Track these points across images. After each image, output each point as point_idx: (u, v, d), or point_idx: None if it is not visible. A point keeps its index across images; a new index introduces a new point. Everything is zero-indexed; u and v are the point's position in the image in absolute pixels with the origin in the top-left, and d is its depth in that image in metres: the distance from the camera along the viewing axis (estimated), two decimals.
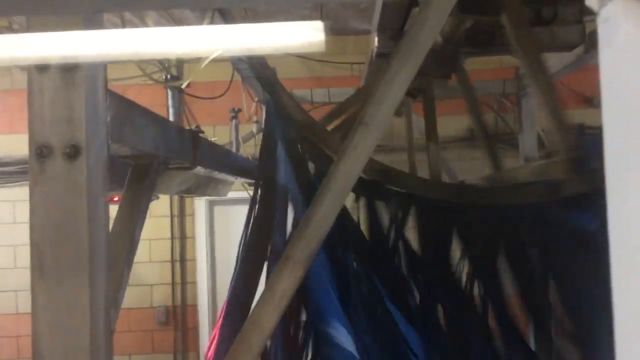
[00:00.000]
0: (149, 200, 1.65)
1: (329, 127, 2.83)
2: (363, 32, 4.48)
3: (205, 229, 5.57)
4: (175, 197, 5.33)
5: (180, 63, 4.46)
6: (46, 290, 1.00)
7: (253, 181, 3.58)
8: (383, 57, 2.60)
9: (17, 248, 5.30)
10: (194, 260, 5.56)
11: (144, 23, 2.63)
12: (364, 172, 1.77)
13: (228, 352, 1.33)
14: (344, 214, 1.95)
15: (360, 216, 2.16)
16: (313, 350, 1.90)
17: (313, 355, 1.90)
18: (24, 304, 5.21)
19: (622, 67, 0.49)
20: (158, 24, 3.59)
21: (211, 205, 5.63)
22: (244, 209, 2.08)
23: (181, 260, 5.54)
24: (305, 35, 0.94)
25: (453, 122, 4.96)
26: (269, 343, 1.73)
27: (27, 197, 1.01)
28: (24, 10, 1.00)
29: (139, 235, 1.56)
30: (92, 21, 1.03)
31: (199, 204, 5.53)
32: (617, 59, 0.49)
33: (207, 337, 5.38)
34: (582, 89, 5.13)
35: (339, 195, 1.34)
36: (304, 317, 1.92)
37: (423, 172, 2.99)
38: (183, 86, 3.14)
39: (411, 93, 3.00)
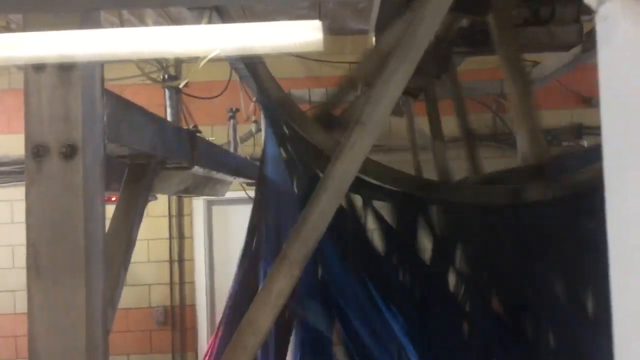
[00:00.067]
0: (146, 200, 1.65)
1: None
2: (361, 31, 4.48)
3: (204, 228, 5.57)
4: (174, 197, 5.32)
5: (178, 63, 4.45)
6: (42, 290, 1.00)
7: (251, 181, 3.58)
8: None
9: (15, 248, 5.29)
10: (192, 260, 5.55)
11: (142, 22, 2.63)
12: (402, 188, 1.72)
13: (224, 353, 1.33)
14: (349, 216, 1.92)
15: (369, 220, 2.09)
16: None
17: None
18: (22, 304, 5.17)
19: (621, 65, 0.49)
20: (156, 23, 3.59)
21: (209, 205, 5.62)
22: (242, 209, 2.07)
23: (179, 260, 5.53)
24: (303, 34, 0.94)
25: (453, 122, 4.94)
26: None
27: None
28: (22, 8, 0.99)
29: (136, 235, 1.56)
30: (89, 20, 1.03)
31: (197, 204, 5.52)
32: (616, 58, 0.49)
33: (205, 337, 5.37)
34: (580, 88, 5.13)
35: (335, 194, 1.33)
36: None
37: (428, 172, 2.96)
38: (181, 86, 3.13)
39: (412, 93, 2.98)
